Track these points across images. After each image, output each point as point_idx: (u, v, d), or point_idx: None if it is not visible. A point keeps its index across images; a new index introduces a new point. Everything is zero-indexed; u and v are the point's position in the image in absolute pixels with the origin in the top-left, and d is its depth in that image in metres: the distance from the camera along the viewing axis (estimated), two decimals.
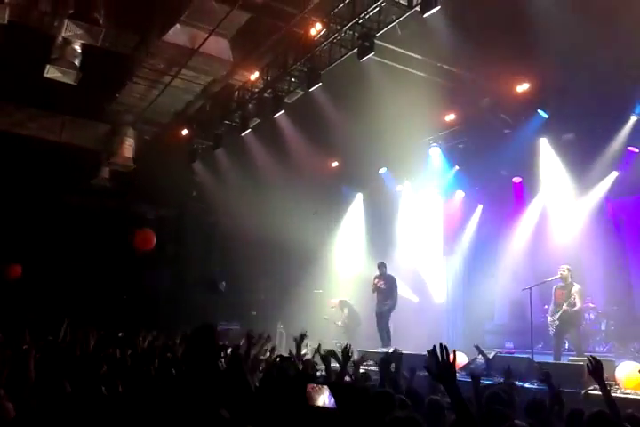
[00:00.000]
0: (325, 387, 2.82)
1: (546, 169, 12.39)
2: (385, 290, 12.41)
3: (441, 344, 2.90)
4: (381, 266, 12.72)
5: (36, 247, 14.89)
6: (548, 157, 12.25)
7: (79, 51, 11.94)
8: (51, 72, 12.02)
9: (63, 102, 14.15)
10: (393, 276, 12.68)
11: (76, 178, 15.64)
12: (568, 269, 10.03)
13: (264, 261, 16.73)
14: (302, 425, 3.14)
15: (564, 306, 9.84)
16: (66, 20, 11.03)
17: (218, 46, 12.49)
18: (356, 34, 10.33)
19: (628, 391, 7.44)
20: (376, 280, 12.57)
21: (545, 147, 12.24)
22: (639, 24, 9.04)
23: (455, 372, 2.91)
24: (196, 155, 16.25)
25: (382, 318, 12.32)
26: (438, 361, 2.87)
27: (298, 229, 16.97)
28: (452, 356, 2.89)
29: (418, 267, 14.99)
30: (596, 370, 4.13)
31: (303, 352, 6.07)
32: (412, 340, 12.29)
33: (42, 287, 14.40)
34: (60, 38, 11.64)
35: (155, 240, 15.37)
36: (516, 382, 7.31)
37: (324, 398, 2.90)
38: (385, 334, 12.20)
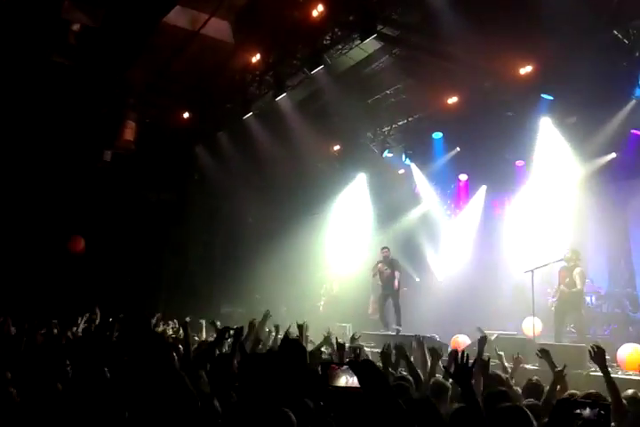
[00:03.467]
0: (347, 367, 2.90)
1: (548, 152, 12.31)
2: (390, 274, 12.54)
3: (463, 351, 3.21)
4: (385, 250, 12.87)
5: (40, 232, 14.91)
6: (550, 140, 12.15)
7: (79, 33, 11.85)
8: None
9: (63, 85, 14.05)
10: (395, 259, 12.90)
11: (78, 161, 15.58)
12: (574, 251, 10.05)
13: (267, 245, 16.71)
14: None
15: (562, 286, 9.91)
16: (65, 1, 10.93)
17: (219, 28, 12.40)
18: (357, 16, 10.23)
19: (629, 373, 7.52)
20: (380, 265, 12.71)
21: (547, 128, 12.12)
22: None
23: (471, 376, 3.13)
24: (197, 138, 16.19)
25: (393, 298, 12.43)
26: (457, 364, 3.13)
27: (301, 213, 17.00)
28: (470, 361, 3.11)
29: (421, 248, 15.05)
30: (598, 356, 4.32)
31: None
32: (414, 321, 12.35)
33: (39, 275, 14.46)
34: (61, 20, 11.54)
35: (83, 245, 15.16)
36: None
37: (347, 379, 2.95)
38: (397, 313, 12.25)
